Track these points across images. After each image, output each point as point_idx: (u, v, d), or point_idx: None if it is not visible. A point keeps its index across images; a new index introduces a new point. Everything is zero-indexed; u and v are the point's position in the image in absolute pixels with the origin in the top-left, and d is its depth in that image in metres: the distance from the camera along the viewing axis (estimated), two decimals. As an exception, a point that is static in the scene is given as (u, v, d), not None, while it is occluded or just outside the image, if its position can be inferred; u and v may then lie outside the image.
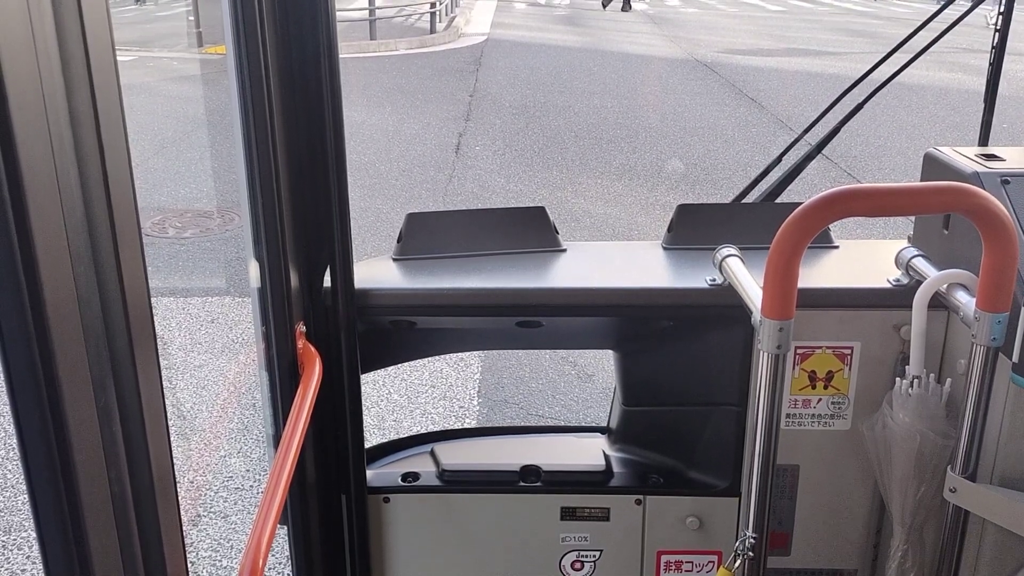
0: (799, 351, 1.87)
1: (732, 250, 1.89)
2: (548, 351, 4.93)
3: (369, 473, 2.10)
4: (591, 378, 4.72)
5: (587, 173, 8.61)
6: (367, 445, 2.09)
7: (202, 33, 15.91)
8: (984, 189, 1.59)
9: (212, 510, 3.65)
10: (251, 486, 3.81)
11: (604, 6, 25.25)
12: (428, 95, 12.62)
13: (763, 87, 13.03)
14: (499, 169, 8.74)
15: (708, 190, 8.04)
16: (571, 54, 16.63)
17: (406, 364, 4.73)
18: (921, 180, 1.92)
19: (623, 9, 24.64)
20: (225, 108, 10.86)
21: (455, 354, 4.88)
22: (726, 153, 9.30)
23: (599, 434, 2.31)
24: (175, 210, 7.32)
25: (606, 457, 2.17)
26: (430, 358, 4.77)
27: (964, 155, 1.85)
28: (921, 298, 1.70)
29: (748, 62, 15.42)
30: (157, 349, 1.03)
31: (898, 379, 1.75)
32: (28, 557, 3.38)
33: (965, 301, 1.62)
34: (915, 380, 1.73)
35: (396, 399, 4.49)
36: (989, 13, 2.21)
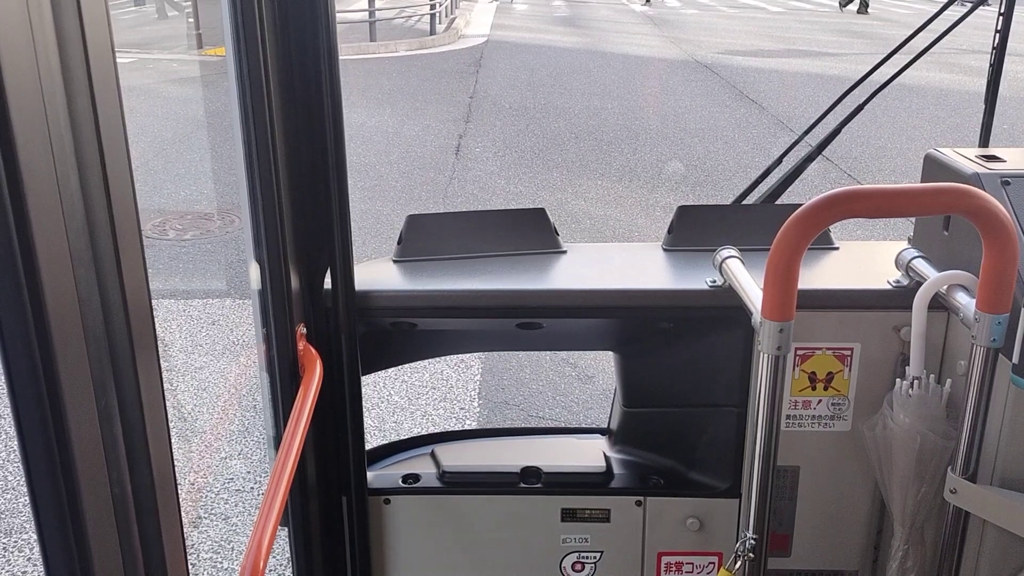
0: (799, 352, 1.87)
1: (732, 251, 1.89)
2: (548, 352, 4.93)
3: (370, 475, 2.10)
4: (591, 379, 4.72)
5: (587, 175, 8.61)
6: (367, 447, 2.09)
7: (202, 35, 15.91)
8: (984, 190, 1.59)
9: (213, 512, 3.65)
10: (252, 488, 3.81)
11: (842, 7, 24.22)
12: (428, 97, 12.62)
13: (763, 88, 13.03)
14: (499, 171, 8.74)
15: (708, 191, 8.04)
16: (571, 55, 16.64)
17: (406, 366, 4.73)
18: (921, 181, 1.92)
19: (859, 12, 23.61)
20: (225, 110, 10.86)
21: (455, 356, 4.87)
22: (726, 154, 9.30)
23: (599, 435, 2.31)
24: (176, 212, 7.32)
25: (606, 458, 2.17)
26: (430, 360, 4.77)
27: (964, 156, 1.85)
28: (921, 299, 1.70)
29: (748, 63, 15.42)
30: (158, 350, 1.03)
31: (898, 380, 1.75)
32: (29, 559, 3.38)
33: (965, 302, 1.62)
34: (915, 381, 1.73)
35: (397, 401, 4.49)
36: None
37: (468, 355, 4.91)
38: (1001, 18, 2.13)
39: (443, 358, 4.83)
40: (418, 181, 8.41)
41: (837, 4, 24.83)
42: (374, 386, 4.58)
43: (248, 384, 4.72)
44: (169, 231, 6.87)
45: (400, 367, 4.71)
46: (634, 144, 9.74)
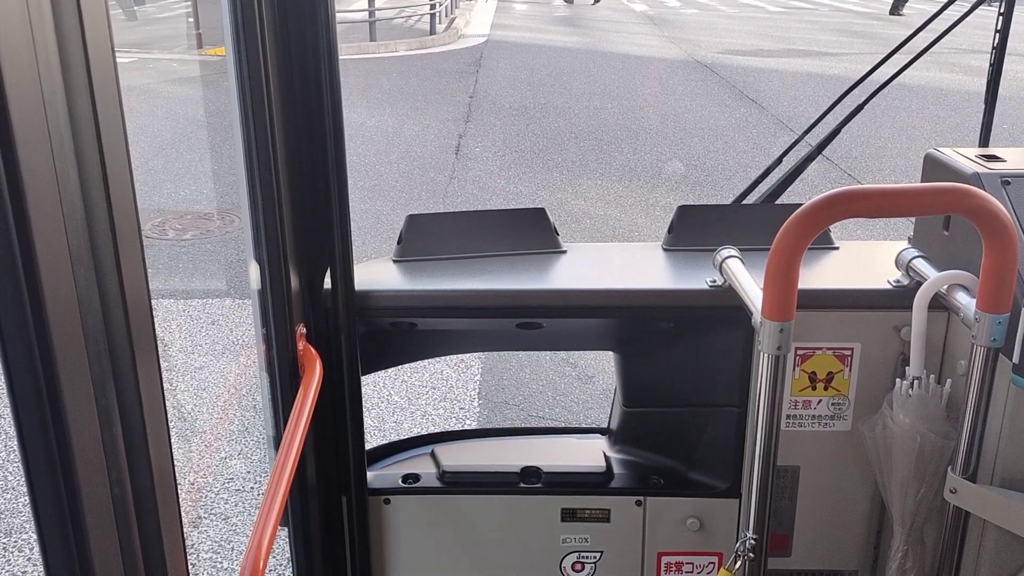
0: (799, 352, 1.87)
1: (732, 251, 1.89)
2: (548, 352, 4.93)
3: (370, 474, 2.10)
4: (591, 379, 4.71)
5: (587, 174, 8.60)
6: (367, 447, 2.09)
7: (202, 35, 15.91)
8: (984, 190, 1.59)
9: (213, 512, 3.65)
10: (251, 488, 3.81)
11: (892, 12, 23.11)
12: (428, 96, 12.62)
13: (763, 88, 13.03)
14: (499, 171, 8.74)
15: (708, 191, 8.04)
16: (571, 55, 16.63)
17: (406, 366, 4.73)
18: (922, 181, 1.92)
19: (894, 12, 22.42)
20: (224, 110, 10.83)
21: (455, 356, 4.87)
22: (726, 154, 9.30)
23: (599, 435, 2.31)
24: (175, 212, 7.32)
25: (606, 458, 2.17)
26: (430, 360, 4.77)
27: (964, 156, 1.85)
28: (921, 299, 1.70)
29: (748, 63, 15.42)
30: (157, 350, 1.03)
31: (898, 380, 1.75)
32: (29, 559, 3.38)
33: (965, 302, 1.62)
34: (915, 381, 1.73)
35: (397, 401, 4.49)
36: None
37: (468, 355, 4.91)
38: (1001, 18, 2.13)
39: (443, 358, 4.83)
40: (418, 181, 8.41)
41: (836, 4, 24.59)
42: (374, 386, 4.57)
43: (248, 384, 4.72)
44: (169, 231, 6.87)
45: (400, 367, 4.71)
46: (634, 144, 9.74)
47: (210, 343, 5.09)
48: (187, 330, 5.23)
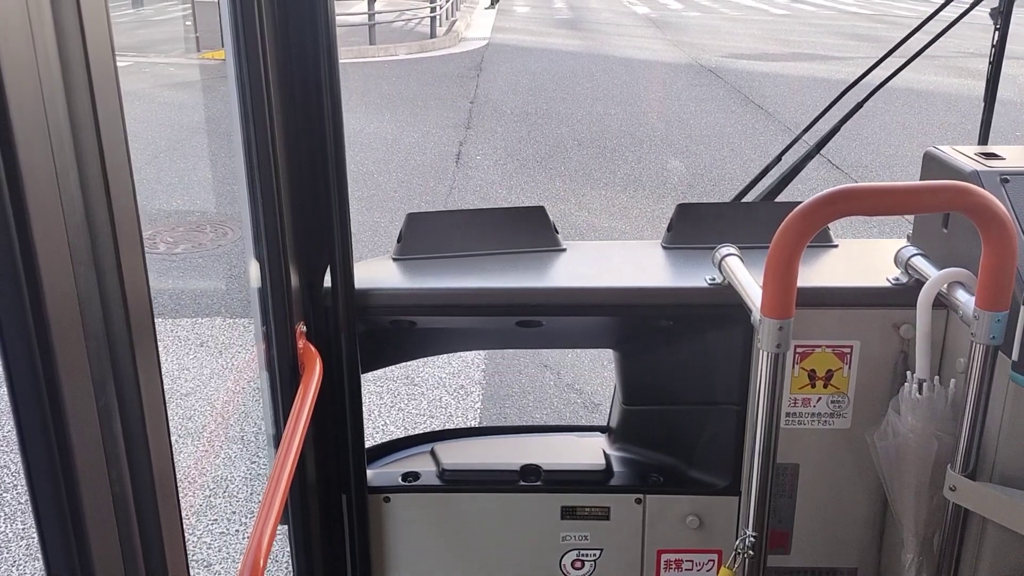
0: (799, 350, 1.88)
1: (732, 249, 1.89)
2: (552, 380, 4.86)
3: (369, 473, 2.11)
4: (597, 407, 4.61)
5: (591, 184, 8.50)
6: (367, 446, 2.10)
7: (200, 38, 15.92)
8: (983, 188, 1.59)
9: (196, 559, 3.51)
10: (236, 531, 3.68)
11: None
12: (428, 101, 12.59)
13: (769, 92, 12.97)
14: (501, 179, 8.66)
15: (715, 200, 7.97)
16: (573, 59, 16.62)
17: (404, 393, 4.68)
18: (921, 179, 1.92)
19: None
20: (222, 115, 10.77)
21: (455, 381, 4.81)
22: (733, 162, 9.21)
23: (599, 433, 2.32)
24: (167, 224, 7.19)
25: (606, 456, 2.18)
26: (429, 385, 4.74)
27: (964, 154, 1.86)
28: (925, 300, 1.70)
29: (753, 67, 15.38)
30: (158, 349, 1.04)
31: (905, 384, 1.75)
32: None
33: (964, 300, 1.62)
34: (923, 384, 1.72)
35: (393, 432, 4.36)
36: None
37: (468, 382, 4.83)
38: (1000, 16, 2.14)
39: (442, 384, 4.78)
40: (417, 190, 8.33)
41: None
42: (368, 415, 4.45)
43: (244, 403, 4.67)
44: (160, 244, 6.75)
45: (396, 394, 4.67)
46: (638, 152, 9.67)
47: (198, 367, 4.95)
48: (174, 353, 5.08)
